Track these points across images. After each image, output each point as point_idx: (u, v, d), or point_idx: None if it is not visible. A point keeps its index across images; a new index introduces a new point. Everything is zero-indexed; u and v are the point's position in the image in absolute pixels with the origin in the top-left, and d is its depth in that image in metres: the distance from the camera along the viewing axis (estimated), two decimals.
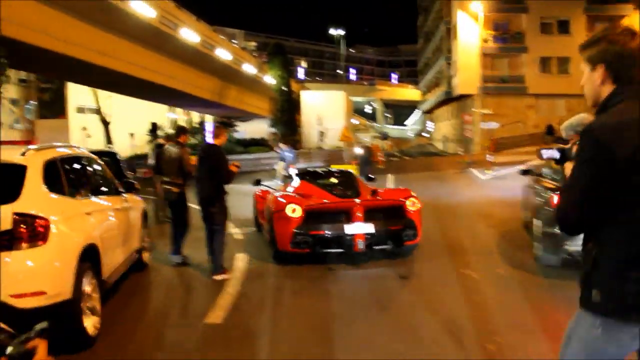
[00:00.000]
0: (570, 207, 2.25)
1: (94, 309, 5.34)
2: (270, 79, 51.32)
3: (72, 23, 24.77)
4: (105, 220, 6.25)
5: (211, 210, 7.73)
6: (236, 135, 56.54)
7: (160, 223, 13.11)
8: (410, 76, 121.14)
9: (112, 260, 6.23)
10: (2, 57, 17.28)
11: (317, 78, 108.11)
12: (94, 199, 6.23)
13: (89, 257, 5.34)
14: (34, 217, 4.55)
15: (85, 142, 57.09)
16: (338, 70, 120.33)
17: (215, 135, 8.09)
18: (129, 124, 53.45)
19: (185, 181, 8.83)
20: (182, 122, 79.52)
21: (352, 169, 22.29)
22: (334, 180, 10.31)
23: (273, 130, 52.28)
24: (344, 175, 10.58)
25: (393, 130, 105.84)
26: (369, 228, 8.28)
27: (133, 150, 44.24)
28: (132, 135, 41.24)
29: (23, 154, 5.12)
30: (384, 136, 65.68)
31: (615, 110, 2.24)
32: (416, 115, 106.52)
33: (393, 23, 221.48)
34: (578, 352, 2.33)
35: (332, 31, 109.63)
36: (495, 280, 7.46)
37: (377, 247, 8.50)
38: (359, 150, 24.81)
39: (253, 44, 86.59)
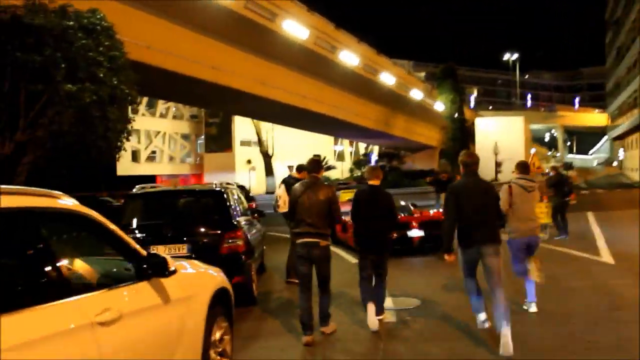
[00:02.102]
0: (445, 222, 6.20)
1: None
2: (440, 106, 47.26)
3: (220, 48, 22.80)
4: None
5: (380, 257, 7.17)
6: (404, 167, 53.10)
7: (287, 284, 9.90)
8: (594, 100, 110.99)
9: None
10: (129, 82, 15.09)
11: (489, 107, 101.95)
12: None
13: None
14: None
15: (249, 175, 56.81)
16: (512, 98, 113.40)
17: (376, 177, 7.43)
18: (292, 156, 52.07)
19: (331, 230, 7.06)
20: (349, 153, 77.74)
21: (544, 206, 17.32)
22: (400, 205, 13.87)
23: (443, 161, 48.08)
24: (405, 203, 14.82)
25: (575, 159, 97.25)
26: (422, 233, 12.67)
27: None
28: (290, 168, 39.06)
29: None
30: (568, 166, 58.89)
31: (461, 180, 6.31)
32: (602, 143, 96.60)
33: (572, 44, 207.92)
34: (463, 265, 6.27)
35: (506, 56, 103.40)
36: None
37: (427, 245, 12.51)
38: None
39: (422, 74, 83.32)
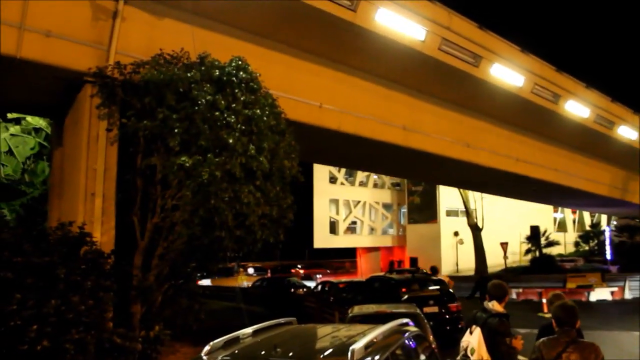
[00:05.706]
0: None
1: None
2: None
3: (410, 103, 18.50)
4: None
5: None
6: None
7: None
8: None
9: None
10: (287, 150, 11.25)
11: None
12: None
13: None
14: None
15: (457, 250, 50.93)
16: None
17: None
18: (505, 229, 45.45)
19: None
20: (571, 222, 68.25)
21: None
22: None
23: None
24: None
25: None
26: None
27: (508, 263, 35.64)
28: (504, 246, 32.63)
29: None
30: None
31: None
32: None
33: None
34: None
35: None
36: None
37: None
38: None
39: None
